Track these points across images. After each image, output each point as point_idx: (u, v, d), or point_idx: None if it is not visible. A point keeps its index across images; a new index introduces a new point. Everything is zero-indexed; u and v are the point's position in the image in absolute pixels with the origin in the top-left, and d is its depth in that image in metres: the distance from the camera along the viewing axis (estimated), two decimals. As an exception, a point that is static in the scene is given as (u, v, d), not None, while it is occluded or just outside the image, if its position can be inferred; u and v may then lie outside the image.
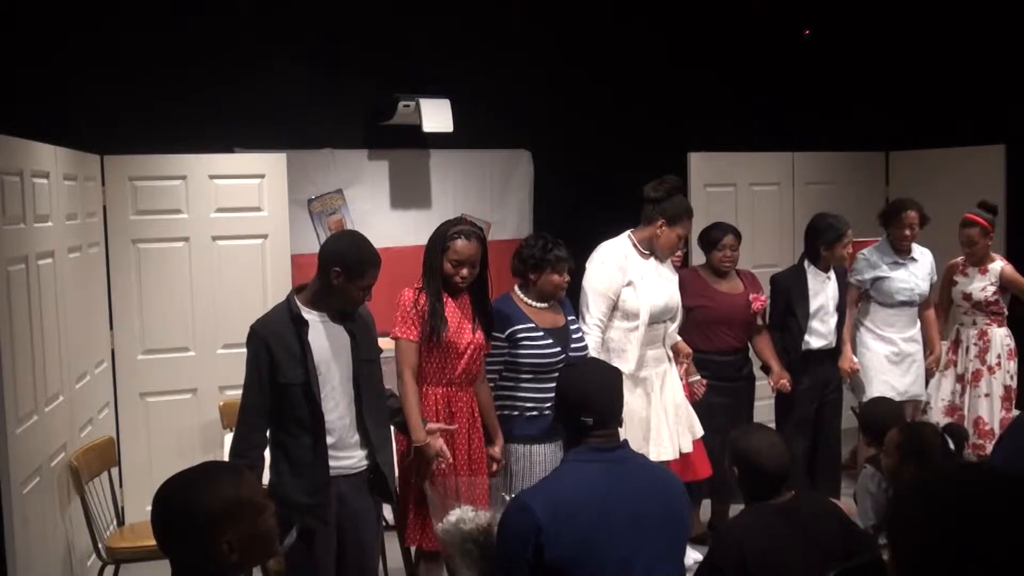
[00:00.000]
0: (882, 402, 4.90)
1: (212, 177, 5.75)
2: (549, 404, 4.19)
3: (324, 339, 3.57)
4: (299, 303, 3.57)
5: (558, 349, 4.25)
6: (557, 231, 4.84)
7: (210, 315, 5.75)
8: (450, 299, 4.08)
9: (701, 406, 5.07)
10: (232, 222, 5.79)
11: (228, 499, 2.14)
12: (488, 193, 6.95)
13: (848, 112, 7.64)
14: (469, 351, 4.06)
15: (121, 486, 5.43)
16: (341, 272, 3.51)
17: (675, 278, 4.91)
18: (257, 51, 6.15)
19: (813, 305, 5.40)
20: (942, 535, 1.44)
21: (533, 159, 7.09)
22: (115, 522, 4.94)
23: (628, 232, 4.82)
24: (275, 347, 3.47)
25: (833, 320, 5.46)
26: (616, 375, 3.03)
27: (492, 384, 4.30)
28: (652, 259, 4.78)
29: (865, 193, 7.65)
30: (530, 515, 2.64)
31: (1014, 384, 5.82)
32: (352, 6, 6.42)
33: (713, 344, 5.27)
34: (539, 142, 7.05)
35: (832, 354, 5.54)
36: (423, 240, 6.52)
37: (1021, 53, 6.85)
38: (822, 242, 5.38)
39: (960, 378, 5.91)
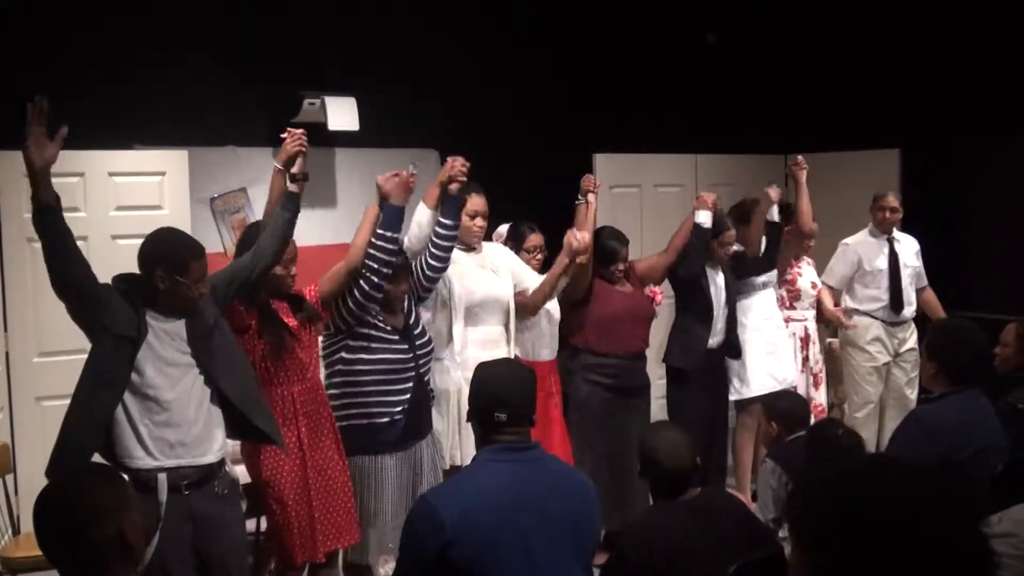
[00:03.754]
0: (790, 396, 4.98)
1: (111, 174, 5.62)
2: (400, 409, 4.19)
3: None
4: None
5: (406, 346, 4.25)
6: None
7: (109, 316, 5.60)
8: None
9: (593, 417, 5.09)
10: (132, 221, 5.65)
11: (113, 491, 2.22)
12: (395, 192, 6.90)
13: (750, 115, 7.80)
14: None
15: (16, 494, 5.25)
16: (164, 274, 3.43)
17: (505, 272, 4.90)
18: (159, 45, 6.00)
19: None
20: (849, 523, 1.48)
21: (440, 158, 7.07)
22: (10, 531, 4.79)
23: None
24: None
25: (724, 316, 5.61)
26: (531, 374, 3.04)
27: (334, 390, 4.28)
28: (473, 252, 4.85)
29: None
30: (435, 515, 2.63)
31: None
32: (258, 2, 6.33)
33: (617, 345, 5.23)
34: (446, 141, 7.01)
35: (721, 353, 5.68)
36: (328, 239, 6.58)
37: (915, 60, 7.09)
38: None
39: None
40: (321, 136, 6.39)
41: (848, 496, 1.51)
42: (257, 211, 6.41)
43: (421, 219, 4.51)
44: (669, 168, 7.51)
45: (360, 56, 6.56)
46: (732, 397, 5.93)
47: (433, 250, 4.46)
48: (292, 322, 4.08)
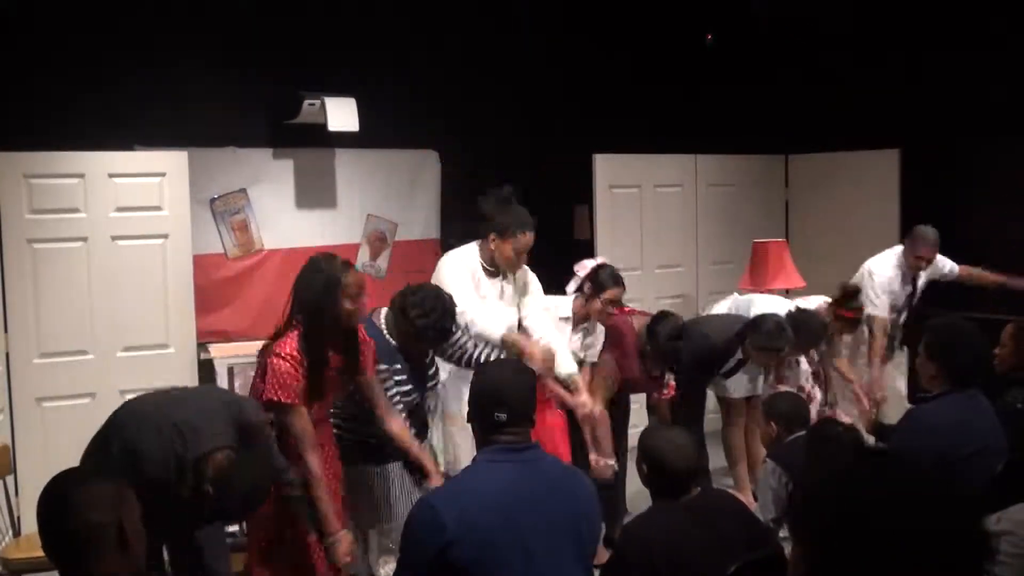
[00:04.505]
0: (788, 396, 4.96)
1: (111, 175, 5.63)
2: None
3: None
4: None
5: (410, 387, 4.18)
6: (463, 232, 4.85)
7: (109, 317, 5.62)
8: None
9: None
10: (132, 222, 5.67)
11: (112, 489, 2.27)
12: (395, 193, 6.91)
13: (749, 116, 7.81)
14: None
15: (17, 495, 5.25)
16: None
17: (512, 309, 4.81)
18: (159, 46, 6.01)
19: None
20: (849, 523, 1.48)
21: (440, 159, 7.08)
22: (11, 532, 4.79)
23: (476, 244, 4.76)
24: None
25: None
26: (531, 375, 3.03)
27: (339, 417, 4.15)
28: (500, 279, 4.75)
29: (765, 195, 7.86)
30: (435, 515, 2.63)
31: None
32: (257, 2, 6.33)
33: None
34: (446, 142, 7.04)
35: None
36: (328, 240, 6.58)
37: (915, 60, 7.09)
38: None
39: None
40: (321, 137, 6.40)
41: (848, 496, 1.51)
42: (257, 212, 6.42)
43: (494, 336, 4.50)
44: (669, 168, 7.52)
45: (360, 57, 6.57)
46: (715, 394, 5.94)
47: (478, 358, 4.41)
48: (336, 362, 3.86)
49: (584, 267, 5.05)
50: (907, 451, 3.46)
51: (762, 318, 5.28)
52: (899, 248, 6.15)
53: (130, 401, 3.77)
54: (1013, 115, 6.63)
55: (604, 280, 4.90)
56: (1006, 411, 3.92)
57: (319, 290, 3.68)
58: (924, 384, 3.90)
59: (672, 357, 5.06)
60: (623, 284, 4.99)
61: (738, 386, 5.80)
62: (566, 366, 4.69)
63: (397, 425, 3.99)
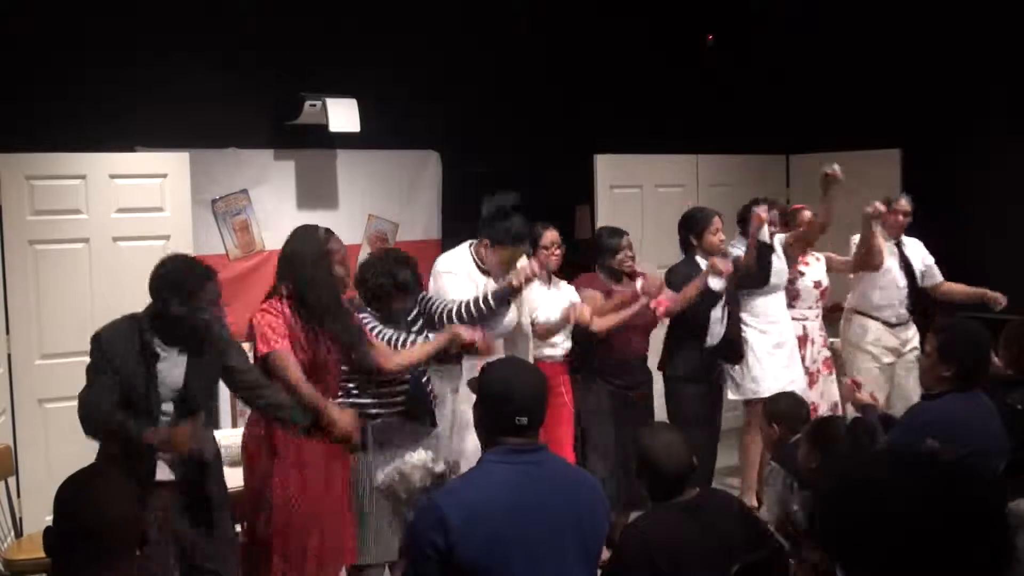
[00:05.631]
0: (790, 396, 4.94)
1: (113, 176, 5.63)
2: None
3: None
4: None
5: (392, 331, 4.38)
6: (464, 232, 4.86)
7: (111, 318, 5.55)
8: None
9: (603, 420, 5.11)
10: (133, 223, 5.67)
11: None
12: (396, 194, 6.91)
13: (750, 116, 7.81)
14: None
15: (19, 496, 5.26)
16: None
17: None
18: (160, 47, 6.01)
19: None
20: (877, 523, 1.48)
21: (441, 160, 7.08)
22: (12, 533, 4.80)
23: (469, 244, 4.93)
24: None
25: (722, 320, 5.58)
26: (545, 378, 3.02)
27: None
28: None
29: (766, 194, 7.81)
30: (441, 516, 2.63)
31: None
32: (258, 3, 6.34)
33: (619, 353, 5.26)
34: (447, 143, 7.05)
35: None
36: (330, 241, 6.58)
37: (916, 60, 7.09)
38: (692, 232, 5.53)
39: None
40: (322, 138, 6.41)
41: (875, 497, 1.51)
42: (258, 212, 6.43)
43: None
44: (670, 168, 7.52)
45: (361, 58, 6.57)
46: (740, 396, 5.91)
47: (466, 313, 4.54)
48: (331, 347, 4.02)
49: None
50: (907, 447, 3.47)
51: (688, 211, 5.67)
52: None
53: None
54: (1013, 115, 6.63)
55: (537, 231, 5.16)
56: (1007, 412, 3.92)
57: (310, 258, 3.85)
58: (928, 382, 3.90)
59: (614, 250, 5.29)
60: (552, 227, 5.25)
61: (767, 378, 5.79)
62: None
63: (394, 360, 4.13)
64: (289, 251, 3.97)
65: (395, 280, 4.29)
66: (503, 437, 2.78)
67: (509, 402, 2.78)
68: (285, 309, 3.89)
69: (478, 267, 4.87)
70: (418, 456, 3.13)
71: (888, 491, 1.51)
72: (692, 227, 5.56)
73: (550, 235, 5.23)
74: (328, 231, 4.01)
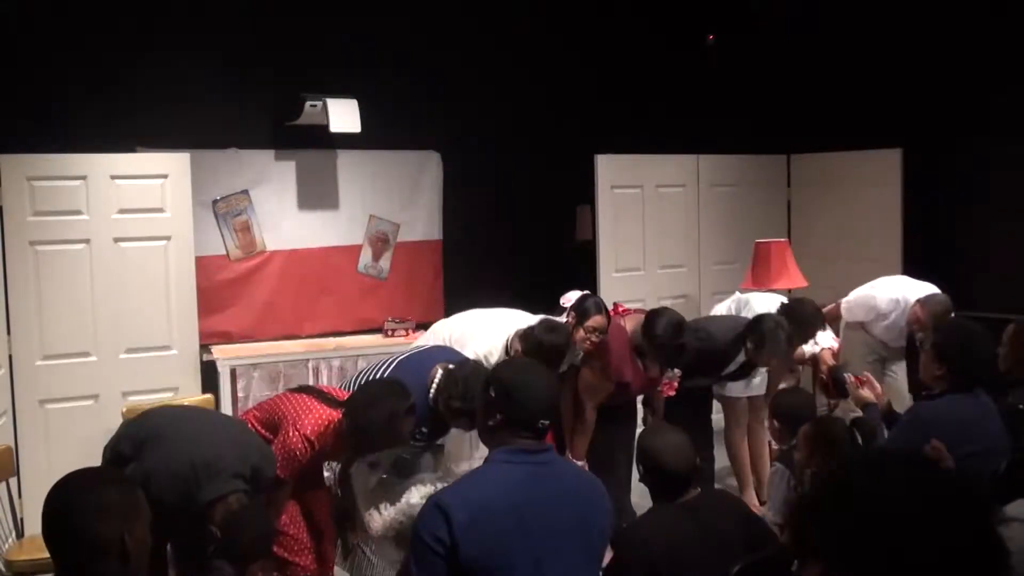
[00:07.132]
0: (795, 393, 4.89)
1: (114, 177, 5.63)
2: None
3: None
4: None
5: (421, 447, 4.32)
6: (465, 233, 4.85)
7: (112, 319, 5.62)
8: None
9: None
10: (134, 223, 5.68)
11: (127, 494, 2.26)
12: (396, 194, 6.91)
13: (751, 115, 7.81)
14: None
15: (20, 497, 5.26)
16: None
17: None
18: (161, 47, 6.03)
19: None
20: (868, 525, 1.48)
21: (442, 160, 7.08)
22: (14, 534, 4.80)
23: (506, 337, 4.76)
24: None
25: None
26: (555, 378, 3.01)
27: None
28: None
29: (767, 195, 7.86)
30: (445, 515, 2.63)
31: None
32: (259, 4, 6.34)
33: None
34: (448, 143, 7.05)
35: None
36: (330, 241, 6.60)
37: (917, 60, 7.09)
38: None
39: None
40: (323, 138, 6.41)
41: (864, 499, 1.51)
42: (259, 213, 6.44)
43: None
44: (671, 168, 7.51)
45: (361, 58, 6.57)
46: (716, 394, 5.88)
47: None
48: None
49: (568, 299, 5.04)
50: (903, 444, 3.48)
51: (761, 317, 5.24)
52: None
53: (148, 415, 3.71)
54: (1013, 115, 6.63)
55: (588, 308, 4.84)
56: (1008, 412, 3.91)
57: (381, 422, 3.71)
58: (927, 382, 3.90)
59: (673, 353, 4.92)
60: (607, 312, 4.91)
61: (735, 385, 5.76)
62: None
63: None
64: (358, 405, 3.80)
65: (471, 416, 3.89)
66: (518, 438, 2.76)
67: (534, 404, 2.76)
68: (313, 437, 3.75)
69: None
70: (419, 493, 3.13)
71: (870, 494, 1.51)
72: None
73: (598, 320, 4.83)
74: (411, 406, 3.80)
